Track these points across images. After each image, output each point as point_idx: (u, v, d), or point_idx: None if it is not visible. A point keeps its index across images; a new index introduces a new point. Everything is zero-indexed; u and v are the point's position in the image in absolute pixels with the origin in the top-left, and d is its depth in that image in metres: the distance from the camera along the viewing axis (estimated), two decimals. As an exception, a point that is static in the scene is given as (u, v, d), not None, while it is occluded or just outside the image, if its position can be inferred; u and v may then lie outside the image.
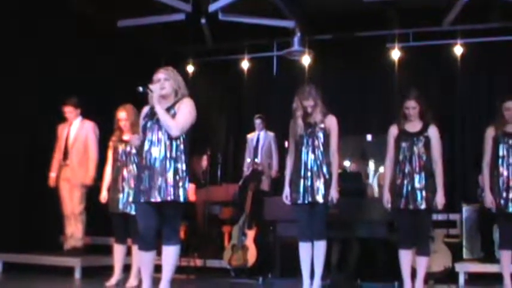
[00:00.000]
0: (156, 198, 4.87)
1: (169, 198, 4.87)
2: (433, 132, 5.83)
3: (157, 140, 4.96)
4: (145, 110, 5.17)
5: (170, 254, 4.99)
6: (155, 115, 4.97)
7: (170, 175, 4.89)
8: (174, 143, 4.95)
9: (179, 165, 4.94)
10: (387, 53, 9.81)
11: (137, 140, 5.10)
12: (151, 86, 4.97)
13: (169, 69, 5.15)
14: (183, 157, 4.97)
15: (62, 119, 7.79)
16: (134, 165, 6.29)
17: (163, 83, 5.04)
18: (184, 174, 4.95)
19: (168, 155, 4.92)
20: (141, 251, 5.03)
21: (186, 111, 4.99)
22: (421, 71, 9.89)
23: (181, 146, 4.98)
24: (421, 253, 5.81)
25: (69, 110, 7.70)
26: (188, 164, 5.01)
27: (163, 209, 4.96)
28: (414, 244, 5.81)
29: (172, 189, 4.88)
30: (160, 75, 5.08)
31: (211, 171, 8.80)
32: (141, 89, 4.96)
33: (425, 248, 5.82)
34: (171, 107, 5.01)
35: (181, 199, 4.90)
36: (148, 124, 5.03)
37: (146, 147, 4.99)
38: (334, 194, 5.80)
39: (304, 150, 5.88)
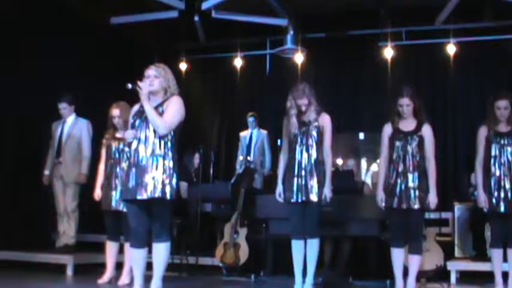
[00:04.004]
0: (143, 195, 4.87)
1: (156, 195, 4.87)
2: (427, 131, 5.83)
3: (145, 138, 4.97)
4: (136, 107, 5.17)
5: (160, 251, 5.00)
6: (144, 113, 4.97)
7: (157, 172, 4.89)
8: (162, 141, 4.96)
9: (166, 162, 4.94)
10: (380, 51, 9.80)
11: (132, 136, 5.05)
12: (140, 84, 4.97)
13: (160, 67, 5.15)
14: (170, 154, 4.97)
15: (56, 116, 7.75)
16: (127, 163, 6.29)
17: (153, 79, 5.05)
18: (172, 171, 4.95)
19: (156, 152, 4.92)
20: (133, 248, 5.06)
21: (174, 110, 4.99)
22: (413, 69, 9.90)
23: (169, 144, 4.99)
24: (413, 252, 5.81)
25: (63, 107, 7.65)
26: (176, 162, 5.01)
27: (151, 207, 4.96)
28: (406, 243, 5.83)
29: (160, 186, 4.88)
30: (151, 71, 5.08)
31: (204, 168, 8.77)
32: (130, 86, 4.96)
33: (417, 247, 5.82)
34: (160, 105, 5.02)
35: (168, 196, 4.90)
36: (137, 122, 5.03)
37: (134, 145, 4.99)
38: (327, 192, 5.81)
39: (298, 148, 5.88)
